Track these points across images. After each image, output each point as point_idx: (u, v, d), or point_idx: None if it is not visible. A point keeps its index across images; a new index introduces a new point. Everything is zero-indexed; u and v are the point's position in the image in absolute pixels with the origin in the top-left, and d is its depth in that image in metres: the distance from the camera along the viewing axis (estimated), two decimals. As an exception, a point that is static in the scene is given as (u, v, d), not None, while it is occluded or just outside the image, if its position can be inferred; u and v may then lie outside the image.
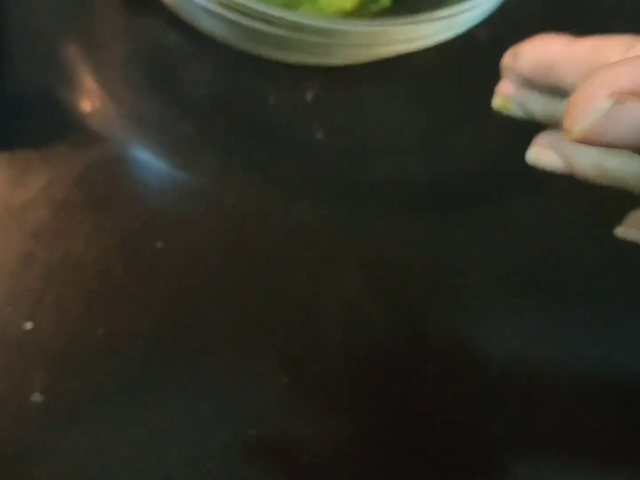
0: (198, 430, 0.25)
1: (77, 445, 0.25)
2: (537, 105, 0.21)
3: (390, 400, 0.27)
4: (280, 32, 0.25)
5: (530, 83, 0.21)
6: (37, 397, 0.25)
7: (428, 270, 0.28)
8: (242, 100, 0.29)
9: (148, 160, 0.28)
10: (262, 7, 0.24)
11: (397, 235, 0.28)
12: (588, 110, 0.13)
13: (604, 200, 0.31)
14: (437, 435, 0.26)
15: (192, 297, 0.26)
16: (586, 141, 0.14)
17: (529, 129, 0.31)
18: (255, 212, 0.28)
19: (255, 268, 0.27)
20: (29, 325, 0.25)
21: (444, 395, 0.27)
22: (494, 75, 0.32)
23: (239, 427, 0.25)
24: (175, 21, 0.29)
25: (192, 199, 0.28)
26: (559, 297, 0.29)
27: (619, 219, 0.30)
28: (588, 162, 0.19)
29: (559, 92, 0.20)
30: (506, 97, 0.21)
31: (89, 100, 0.29)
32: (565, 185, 0.31)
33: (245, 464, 0.25)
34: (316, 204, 0.28)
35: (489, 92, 0.32)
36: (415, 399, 0.27)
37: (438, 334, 0.27)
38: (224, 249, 0.27)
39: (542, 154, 0.20)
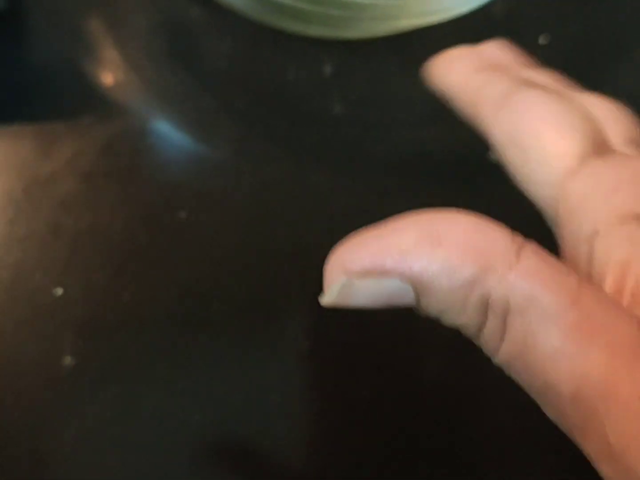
0: (221, 395, 0.26)
1: (106, 406, 0.26)
2: None
3: (405, 367, 0.28)
4: (299, 5, 0.26)
5: None
6: (67, 360, 0.26)
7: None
8: (262, 73, 0.30)
9: (170, 132, 0.29)
10: (283, -19, 0.25)
11: (412, 206, 0.29)
12: (328, 287, 0.16)
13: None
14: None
15: (214, 264, 0.27)
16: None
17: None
18: (274, 182, 0.28)
19: (275, 236, 0.28)
20: (59, 291, 0.26)
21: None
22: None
23: (261, 393, 0.26)
24: (197, -5, 0.29)
25: (213, 170, 0.28)
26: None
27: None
28: None
29: None
30: None
31: (112, 73, 0.29)
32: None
33: (267, 428, 0.26)
34: (334, 176, 0.29)
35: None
36: (429, 373, 0.28)
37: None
38: (245, 217, 0.28)
39: None
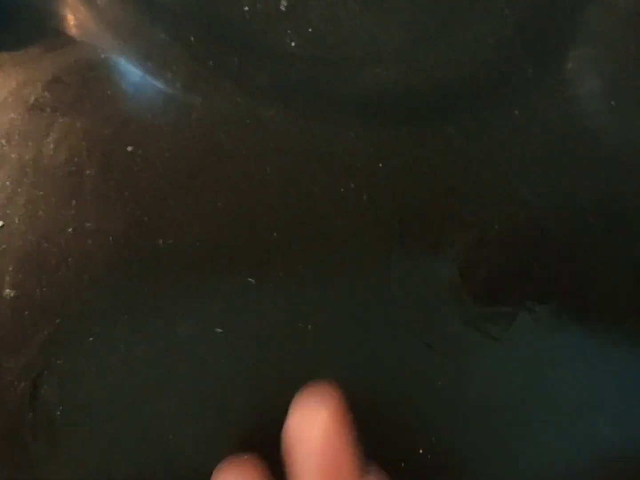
0: (167, 326, 0.26)
1: (47, 339, 0.25)
2: None
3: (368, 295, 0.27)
4: None
5: None
6: (8, 292, 0.25)
7: (396, 180, 0.28)
8: (216, 7, 0.29)
9: (120, 65, 0.28)
10: None
11: (367, 145, 0.28)
12: None
13: (575, 119, 0.31)
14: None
15: (162, 199, 0.27)
16: None
17: (505, 42, 0.31)
18: (226, 118, 0.28)
19: (225, 172, 0.27)
20: (0, 223, 0.26)
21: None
22: (473, -11, 0.32)
23: (207, 324, 0.26)
24: None
25: (163, 104, 0.28)
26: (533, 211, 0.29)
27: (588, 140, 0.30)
28: None
29: None
30: None
31: (63, 3, 0.28)
32: (539, 101, 0.31)
33: (212, 359, 0.26)
34: (287, 112, 0.28)
35: (467, 6, 0.31)
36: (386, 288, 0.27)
37: (414, 234, 0.28)
38: (195, 153, 0.27)
39: None
